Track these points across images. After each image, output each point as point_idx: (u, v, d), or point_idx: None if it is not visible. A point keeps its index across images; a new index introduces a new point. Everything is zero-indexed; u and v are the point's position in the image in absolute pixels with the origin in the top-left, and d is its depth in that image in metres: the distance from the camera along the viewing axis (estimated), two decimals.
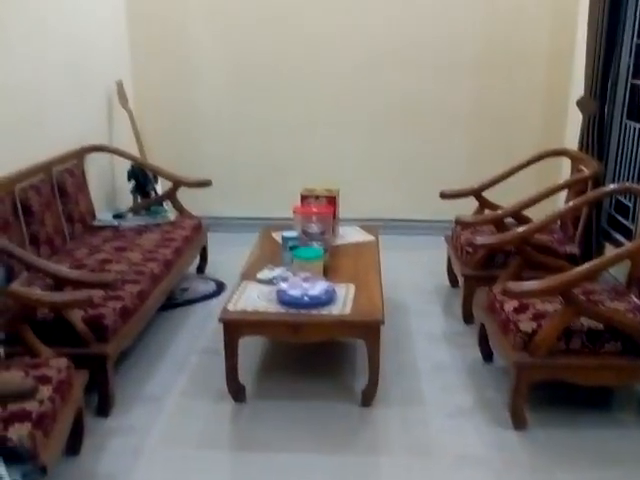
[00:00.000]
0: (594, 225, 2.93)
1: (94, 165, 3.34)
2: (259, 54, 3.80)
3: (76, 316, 2.02)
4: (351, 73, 3.80)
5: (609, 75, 2.95)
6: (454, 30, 3.67)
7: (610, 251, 2.96)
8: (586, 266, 1.95)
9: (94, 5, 3.35)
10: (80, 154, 3.14)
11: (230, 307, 2.14)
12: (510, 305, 2.12)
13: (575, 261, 2.57)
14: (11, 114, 2.54)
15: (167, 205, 3.44)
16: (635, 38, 2.94)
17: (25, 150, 2.64)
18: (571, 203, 2.56)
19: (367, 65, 3.77)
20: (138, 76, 3.86)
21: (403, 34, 3.70)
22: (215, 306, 2.76)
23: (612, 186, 2.68)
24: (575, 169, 2.96)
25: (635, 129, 2.93)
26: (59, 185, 2.85)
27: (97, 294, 2.11)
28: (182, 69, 3.86)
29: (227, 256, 3.35)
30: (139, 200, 3.56)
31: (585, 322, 1.96)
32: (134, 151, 3.58)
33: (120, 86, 3.59)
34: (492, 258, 2.66)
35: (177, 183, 3.35)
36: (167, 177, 3.41)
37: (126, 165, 3.53)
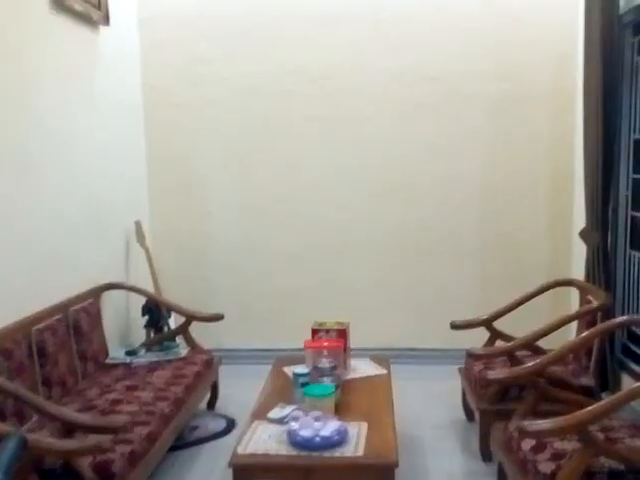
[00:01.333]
0: (608, 355, 2.90)
1: (109, 301, 3.41)
2: (269, 189, 3.97)
3: (84, 462, 1.99)
4: (361, 204, 3.94)
5: (609, 207, 3.05)
6: (457, 166, 3.85)
7: (627, 381, 2.91)
8: (601, 404, 1.92)
9: (117, 152, 3.56)
10: (97, 292, 3.22)
11: (240, 450, 2.10)
12: (527, 443, 2.07)
13: (591, 393, 2.52)
14: (31, 257, 2.64)
15: (179, 339, 3.47)
16: (631, 172, 3.07)
17: (43, 291, 2.72)
18: (582, 335, 2.55)
19: (377, 197, 3.92)
20: (156, 215, 4.03)
21: (411, 169, 3.88)
22: (225, 445, 2.70)
23: (621, 318, 2.70)
24: (584, 299, 2.99)
25: (639, 259, 2.98)
26: (75, 324, 2.90)
27: (106, 438, 2.08)
28: (196, 207, 4.03)
29: (238, 389, 3.32)
30: (152, 335, 3.61)
31: (606, 462, 1.89)
32: (149, 286, 3.67)
33: (139, 226, 3.74)
34: (507, 391, 2.62)
35: (190, 318, 3.41)
36: (180, 312, 3.46)
37: (141, 300, 3.60)
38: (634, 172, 3.05)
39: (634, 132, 3.03)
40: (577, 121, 3.53)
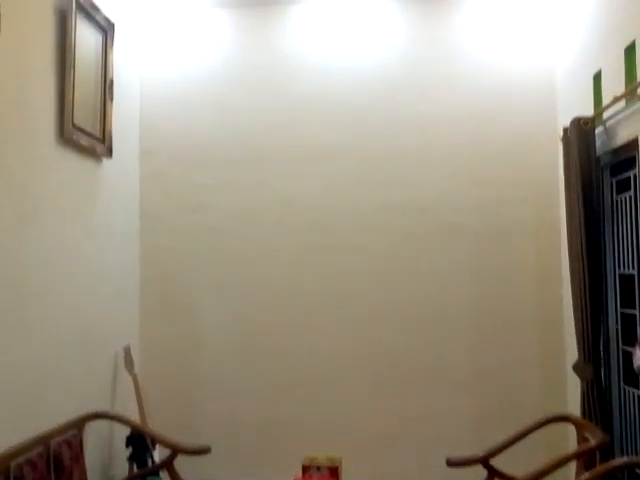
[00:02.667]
0: None
1: (93, 431, 3.29)
2: (259, 318, 3.97)
3: None
4: (350, 335, 3.92)
5: (600, 340, 3.06)
6: (446, 297, 3.88)
7: None
8: None
9: (111, 278, 3.59)
10: (80, 423, 3.10)
11: None
12: None
13: None
14: (17, 386, 2.58)
15: (163, 473, 3.32)
16: (619, 307, 3.12)
17: (26, 422, 2.64)
18: (582, 478, 2.47)
19: (366, 326, 3.91)
20: (146, 341, 3.99)
21: (400, 298, 3.90)
22: None
23: (621, 460, 2.63)
24: (581, 436, 2.92)
25: (634, 395, 2.95)
26: (55, 458, 2.77)
27: None
28: (187, 334, 4.00)
29: None
30: (135, 469, 3.45)
31: None
32: (135, 414, 3.56)
33: (127, 352, 3.70)
34: None
35: (175, 451, 3.27)
36: (166, 445, 3.33)
37: (125, 430, 3.48)
38: (622, 306, 3.09)
39: (619, 267, 3.11)
40: (564, 254, 3.63)
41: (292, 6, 4.03)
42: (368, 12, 4.01)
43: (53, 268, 2.86)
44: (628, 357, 3.02)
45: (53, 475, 2.74)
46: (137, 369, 3.75)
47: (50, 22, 2.86)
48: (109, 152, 3.41)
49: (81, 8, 3.04)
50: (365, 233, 3.94)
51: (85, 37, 3.13)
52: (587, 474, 2.42)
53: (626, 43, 2.85)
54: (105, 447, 3.55)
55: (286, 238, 3.98)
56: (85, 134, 3.12)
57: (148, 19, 4.07)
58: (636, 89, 2.69)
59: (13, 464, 2.45)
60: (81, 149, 3.11)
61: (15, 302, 2.56)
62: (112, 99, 3.42)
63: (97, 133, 3.28)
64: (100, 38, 3.33)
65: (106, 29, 3.36)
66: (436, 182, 3.92)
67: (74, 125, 2.98)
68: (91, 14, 3.16)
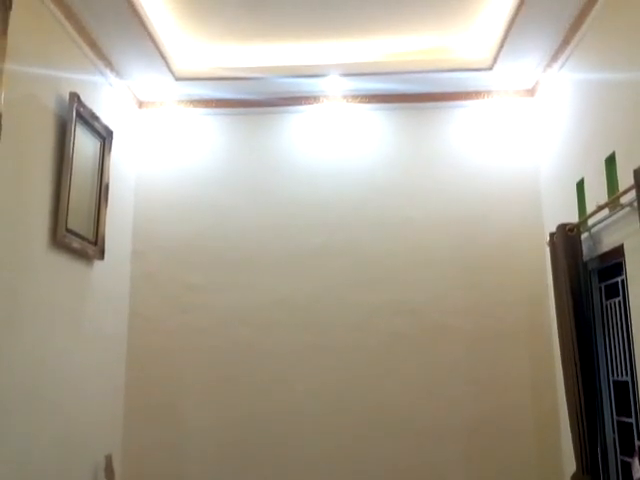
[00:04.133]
0: None
1: None
2: (250, 427, 3.85)
3: None
4: (343, 436, 3.81)
5: (597, 450, 2.98)
6: (438, 399, 3.81)
7: None
8: None
9: (95, 382, 3.50)
10: None
11: None
12: None
13: None
14: None
15: None
16: (615, 415, 3.05)
17: None
18: None
19: (358, 428, 3.80)
20: (128, 449, 3.84)
21: (392, 401, 3.82)
22: None
23: None
24: None
25: None
26: None
27: None
28: (172, 440, 3.86)
29: None
30: None
31: None
32: None
33: (109, 460, 3.55)
34: None
35: None
36: None
37: None
38: (617, 414, 3.03)
39: (612, 374, 3.07)
40: (557, 358, 3.60)
41: (283, 114, 4.20)
42: (356, 119, 4.18)
43: (39, 370, 2.80)
44: (627, 468, 2.93)
45: None
46: (118, 478, 3.59)
47: (50, 130, 2.95)
48: (101, 254, 3.42)
49: (81, 117, 3.16)
50: (355, 333, 3.91)
51: (83, 144, 3.22)
52: None
53: (606, 154, 2.96)
54: None
55: (276, 338, 3.94)
56: (78, 237, 3.14)
57: (145, 125, 4.21)
58: (618, 198, 2.76)
59: None
60: (73, 251, 3.13)
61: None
62: (107, 203, 3.48)
63: (90, 236, 3.31)
64: (98, 144, 3.43)
65: (104, 136, 3.47)
66: (426, 283, 3.95)
67: (67, 229, 3.01)
68: (90, 123, 3.27)
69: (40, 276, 2.83)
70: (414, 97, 4.19)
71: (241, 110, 4.19)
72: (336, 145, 4.17)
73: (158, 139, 4.20)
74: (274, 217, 4.08)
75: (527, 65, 3.82)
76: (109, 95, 3.70)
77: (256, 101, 4.18)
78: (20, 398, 2.67)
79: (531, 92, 4.12)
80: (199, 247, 4.05)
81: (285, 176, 4.14)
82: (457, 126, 4.15)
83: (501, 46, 3.60)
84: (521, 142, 4.10)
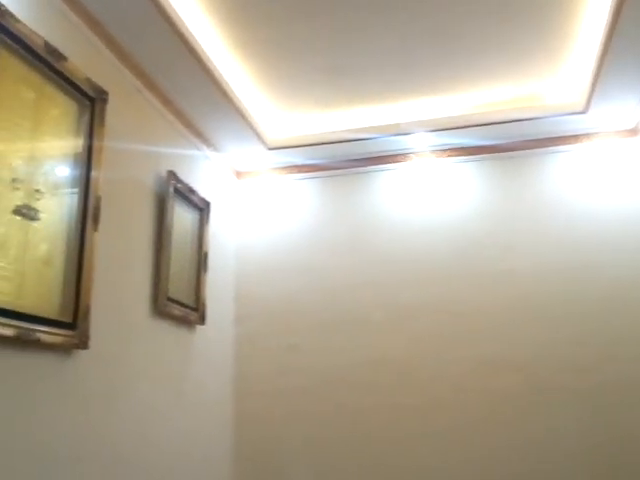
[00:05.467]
0: None
1: None
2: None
3: None
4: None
5: None
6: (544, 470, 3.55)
7: None
8: None
9: (198, 440, 3.60)
10: None
11: None
12: None
13: None
14: None
15: None
16: None
17: None
18: None
19: None
20: None
21: (493, 466, 3.61)
22: None
23: None
24: None
25: None
26: None
27: None
28: None
29: None
30: None
31: None
32: None
33: None
34: None
35: None
36: None
37: None
38: None
39: None
40: None
41: (373, 173, 4.26)
42: (446, 173, 4.15)
43: (141, 437, 2.94)
44: None
45: None
46: None
47: (149, 206, 3.19)
48: (202, 319, 3.58)
49: (178, 192, 3.39)
50: (456, 394, 3.77)
51: (182, 217, 3.45)
52: None
53: None
54: None
55: (375, 398, 3.88)
56: (179, 304, 3.32)
57: (242, 194, 4.42)
58: None
59: None
60: (174, 318, 3.31)
61: (103, 475, 2.63)
62: (206, 270, 3.66)
63: (191, 303, 3.49)
64: (196, 216, 3.65)
65: (202, 207, 3.69)
66: (530, 338, 3.75)
67: (168, 298, 3.19)
68: (188, 197, 3.50)
69: (141, 344, 3.01)
70: (505, 147, 4.11)
71: (332, 173, 4.30)
72: (427, 200, 4.15)
73: (255, 206, 4.39)
74: (368, 275, 4.09)
75: (625, 105, 3.65)
76: (206, 169, 3.95)
77: (346, 163, 4.29)
78: (126, 466, 2.80)
79: (633, 132, 3.91)
80: (297, 308, 4.13)
81: (378, 234, 4.16)
82: (555, 172, 4.01)
83: (593, 88, 3.47)
84: (627, 183, 3.88)
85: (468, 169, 4.15)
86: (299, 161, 4.32)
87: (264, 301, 4.20)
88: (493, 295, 3.88)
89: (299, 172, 4.36)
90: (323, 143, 4.09)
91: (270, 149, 4.15)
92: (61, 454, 2.35)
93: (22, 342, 2.16)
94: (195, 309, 3.53)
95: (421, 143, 4.13)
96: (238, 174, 4.45)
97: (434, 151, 4.20)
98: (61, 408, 2.37)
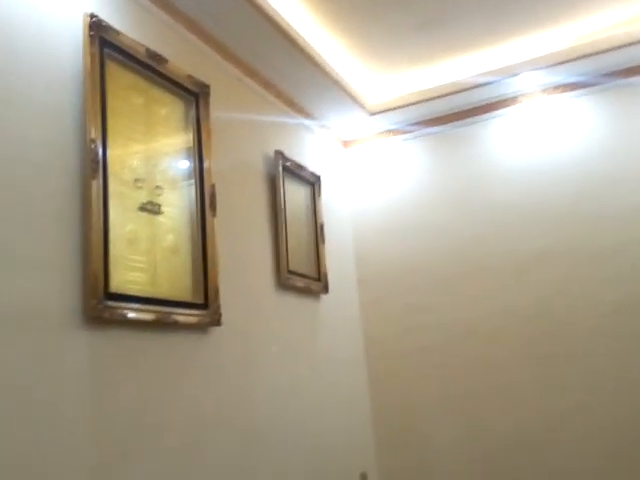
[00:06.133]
0: None
1: None
2: (496, 437, 3.81)
3: None
4: (599, 461, 3.55)
5: None
6: None
7: None
8: None
9: (339, 403, 3.78)
10: None
11: None
12: None
13: None
14: None
15: None
16: None
17: None
18: None
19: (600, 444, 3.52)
20: (383, 468, 4.05)
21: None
22: None
23: None
24: None
25: None
26: None
27: None
28: (423, 457, 4.00)
29: None
30: None
31: None
32: None
33: (364, 478, 3.79)
34: None
35: None
36: None
37: None
38: None
39: None
40: None
41: (482, 122, 4.14)
42: (560, 111, 3.95)
43: (278, 403, 3.15)
44: None
45: None
46: None
47: (262, 187, 3.35)
48: (325, 288, 3.73)
49: (288, 170, 3.52)
50: (594, 338, 3.64)
51: (294, 193, 3.58)
52: None
53: None
54: None
55: (506, 349, 3.85)
56: (300, 276, 3.48)
57: (351, 162, 4.49)
58: None
59: None
60: (298, 290, 3.47)
61: (248, 444, 2.86)
62: (324, 241, 3.79)
63: (313, 274, 3.64)
64: (308, 190, 3.78)
65: (312, 182, 3.81)
66: None
67: (289, 271, 3.35)
68: (297, 173, 3.63)
69: (270, 316, 3.20)
70: (624, 72, 3.83)
71: (438, 129, 4.24)
72: (542, 142, 3.98)
73: (366, 172, 4.45)
74: (488, 226, 4.02)
75: None
76: (313, 143, 4.05)
77: (452, 115, 4.21)
78: (264, 430, 3.02)
79: None
80: (418, 267, 4.16)
81: (494, 183, 4.06)
82: None
83: None
84: None
85: (583, 103, 3.92)
86: (403, 122, 4.31)
87: (384, 264, 4.27)
88: (624, 234, 3.67)
89: (404, 133, 4.34)
90: (424, 100, 4.04)
91: (372, 114, 4.17)
92: (207, 421, 2.59)
93: (162, 325, 2.39)
94: (317, 279, 3.67)
95: (529, 83, 3.96)
96: (345, 143, 4.51)
97: (544, 90, 4.00)
98: (203, 379, 2.61)
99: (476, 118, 4.17)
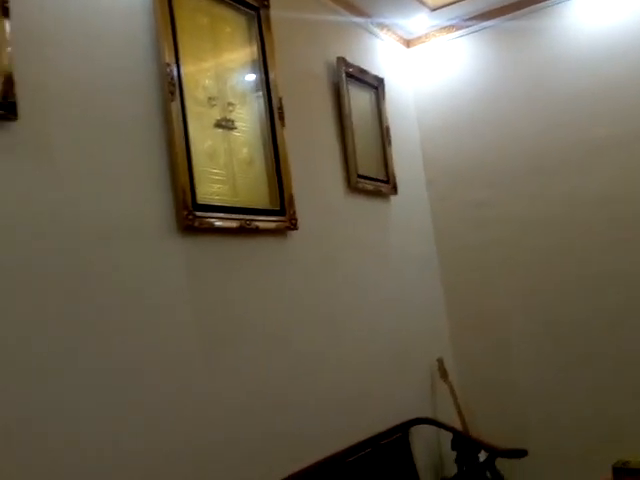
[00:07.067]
0: None
1: (419, 435, 3.71)
2: (567, 324, 3.95)
3: None
4: None
5: None
6: None
7: None
8: None
9: (414, 297, 4.01)
10: (404, 427, 3.56)
11: None
12: None
13: None
14: (340, 398, 3.13)
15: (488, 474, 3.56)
16: None
17: (353, 427, 3.16)
18: None
19: None
20: (457, 353, 4.30)
21: None
22: None
23: None
24: None
25: None
26: (385, 457, 3.27)
27: None
28: (497, 345, 4.19)
29: None
30: (463, 469, 3.77)
31: None
32: (457, 421, 3.87)
33: (441, 363, 4.06)
34: None
35: (492, 453, 3.50)
36: (484, 448, 3.59)
37: (449, 434, 3.82)
38: None
39: None
40: None
41: (548, 9, 4.00)
42: None
43: (359, 297, 3.40)
44: None
45: (384, 472, 3.24)
46: (452, 378, 4.08)
47: (326, 95, 3.46)
48: (394, 190, 3.87)
49: (351, 76, 3.59)
50: None
51: (358, 98, 3.67)
52: None
53: None
54: (434, 450, 3.94)
55: (580, 239, 3.90)
56: (370, 179, 3.63)
57: (415, 62, 4.47)
58: None
59: (347, 461, 3.00)
60: (368, 193, 3.63)
61: (330, 334, 3.15)
62: (390, 144, 3.89)
63: (381, 176, 3.77)
64: (372, 94, 3.85)
65: (376, 85, 3.87)
66: None
67: (359, 175, 3.51)
68: (360, 78, 3.70)
69: (343, 218, 3.40)
70: None
71: (503, 18, 4.12)
72: (613, 23, 3.83)
73: (430, 71, 4.43)
74: (556, 117, 3.97)
75: None
76: (375, 46, 4.07)
77: (516, 3, 4.09)
78: (355, 317, 3.31)
79: None
80: (484, 164, 4.20)
81: (560, 71, 3.97)
82: None
83: None
84: None
85: None
86: (465, 15, 4.21)
87: (452, 162, 4.33)
88: None
89: (468, 27, 4.26)
90: None
91: (434, 10, 4.11)
92: (290, 312, 2.88)
93: (245, 230, 2.63)
94: (386, 181, 3.81)
95: None
96: (407, 43, 4.48)
97: None
98: (283, 277, 2.88)
99: (539, 5, 4.03)
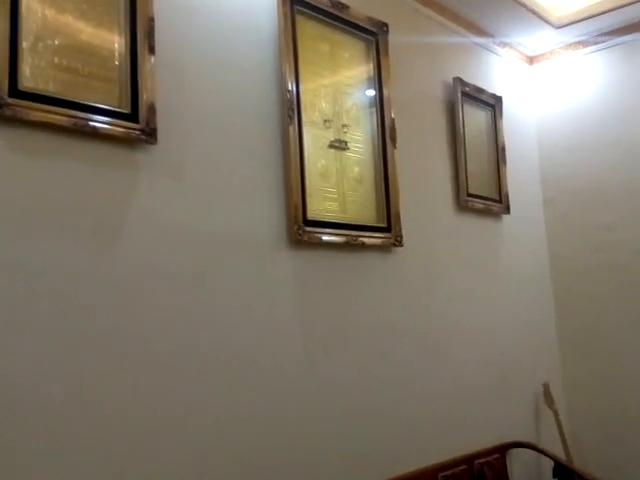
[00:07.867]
0: None
1: (517, 459, 3.68)
2: None
3: None
4: None
5: None
6: None
7: None
8: None
9: (523, 319, 3.97)
10: (502, 449, 3.54)
11: None
12: None
13: None
14: (435, 414, 3.18)
15: None
16: None
17: (447, 443, 3.21)
18: None
19: None
20: (567, 379, 4.19)
21: None
22: None
23: None
24: None
25: None
26: (479, 476, 3.28)
27: None
28: (609, 371, 4.05)
29: None
30: None
31: None
32: (560, 449, 3.79)
33: (546, 388, 3.98)
34: None
35: None
36: None
37: (550, 461, 3.75)
38: None
39: None
40: None
41: None
42: None
43: (465, 317, 3.44)
44: None
45: None
46: (559, 405, 3.98)
47: (440, 114, 3.52)
48: (507, 209, 3.84)
49: (467, 95, 3.64)
50: None
51: (473, 117, 3.70)
52: None
53: None
54: (532, 476, 3.87)
55: None
56: (481, 198, 3.64)
57: (536, 80, 4.41)
58: None
59: (440, 476, 3.06)
60: (477, 212, 3.64)
61: (432, 350, 3.22)
62: (505, 162, 3.88)
63: (493, 195, 3.77)
64: (488, 113, 3.85)
65: (493, 104, 3.87)
66: None
67: (469, 194, 3.54)
68: (477, 97, 3.72)
69: (450, 237, 3.45)
70: None
71: (630, 37, 3.99)
72: None
73: (551, 88, 4.35)
74: None
75: None
76: (493, 64, 4.07)
77: None
78: (455, 336, 3.36)
79: None
80: (606, 185, 4.07)
81: None
82: None
83: None
84: None
85: None
86: (592, 32, 4.10)
87: (572, 182, 4.22)
88: None
89: (593, 44, 4.14)
90: (615, 8, 3.82)
91: (558, 27, 4.04)
92: (391, 326, 2.98)
93: (351, 246, 2.77)
94: (498, 200, 3.80)
95: None
96: (529, 60, 4.43)
97: None
98: (387, 292, 2.99)
99: None
